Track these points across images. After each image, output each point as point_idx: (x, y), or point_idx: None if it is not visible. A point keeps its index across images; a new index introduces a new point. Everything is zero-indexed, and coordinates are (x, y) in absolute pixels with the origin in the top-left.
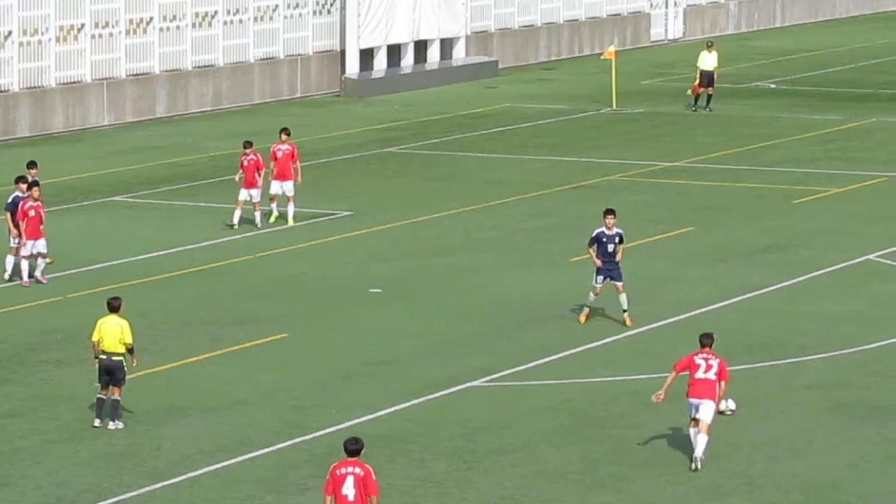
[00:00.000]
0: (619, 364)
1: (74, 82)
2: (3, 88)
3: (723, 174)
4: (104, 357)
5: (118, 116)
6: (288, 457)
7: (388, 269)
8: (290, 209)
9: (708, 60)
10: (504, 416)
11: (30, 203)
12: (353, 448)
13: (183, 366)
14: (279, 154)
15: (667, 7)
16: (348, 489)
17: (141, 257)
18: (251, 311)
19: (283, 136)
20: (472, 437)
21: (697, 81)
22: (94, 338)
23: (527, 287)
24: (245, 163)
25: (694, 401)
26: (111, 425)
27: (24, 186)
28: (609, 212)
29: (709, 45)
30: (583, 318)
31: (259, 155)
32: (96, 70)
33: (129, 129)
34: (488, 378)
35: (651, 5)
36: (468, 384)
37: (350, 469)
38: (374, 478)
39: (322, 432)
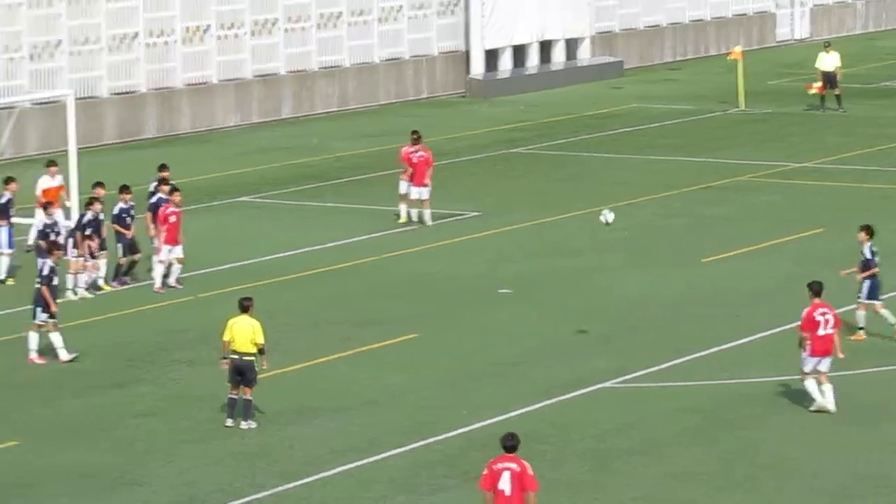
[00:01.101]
0: (750, 365)
1: (201, 83)
2: (130, 90)
3: (852, 175)
4: (236, 357)
5: (244, 117)
6: (420, 457)
7: (516, 270)
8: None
9: (827, 61)
10: (635, 418)
11: (171, 208)
12: (510, 444)
13: (312, 366)
14: (413, 159)
15: (793, 7)
16: (504, 484)
17: (268, 258)
18: (380, 312)
19: (414, 137)
20: (604, 438)
21: (820, 83)
22: (226, 337)
23: (656, 288)
24: (414, 159)
25: (816, 358)
26: (243, 425)
27: (167, 189)
28: (862, 228)
29: (826, 45)
30: (855, 338)
31: (428, 151)
32: (223, 71)
33: (256, 129)
34: (619, 379)
35: (777, 5)
36: (599, 385)
37: (506, 465)
38: (530, 473)
39: (453, 433)
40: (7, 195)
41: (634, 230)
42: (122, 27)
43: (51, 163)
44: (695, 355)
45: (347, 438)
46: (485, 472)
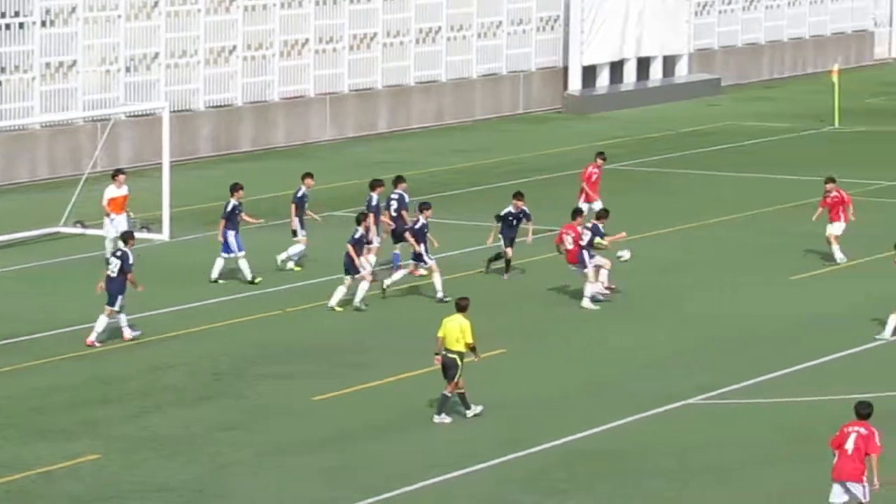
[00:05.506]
0: (839, 383)
1: (297, 97)
2: (226, 103)
3: None
4: (445, 353)
5: (340, 132)
6: (503, 473)
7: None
8: None
9: None
10: (721, 435)
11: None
12: (864, 412)
13: (402, 380)
14: (593, 178)
15: (891, 25)
16: (849, 445)
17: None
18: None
19: (600, 161)
20: (688, 455)
21: None
22: (440, 334)
23: (747, 305)
24: (593, 178)
25: None
26: (469, 413)
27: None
28: None
29: None
30: None
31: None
32: (319, 85)
33: (351, 144)
34: (706, 395)
35: (875, 24)
36: (686, 401)
37: (855, 429)
38: (876, 440)
39: (537, 448)
40: (233, 202)
41: (728, 248)
42: (222, 40)
43: (118, 172)
44: (780, 372)
45: (433, 454)
46: (837, 433)
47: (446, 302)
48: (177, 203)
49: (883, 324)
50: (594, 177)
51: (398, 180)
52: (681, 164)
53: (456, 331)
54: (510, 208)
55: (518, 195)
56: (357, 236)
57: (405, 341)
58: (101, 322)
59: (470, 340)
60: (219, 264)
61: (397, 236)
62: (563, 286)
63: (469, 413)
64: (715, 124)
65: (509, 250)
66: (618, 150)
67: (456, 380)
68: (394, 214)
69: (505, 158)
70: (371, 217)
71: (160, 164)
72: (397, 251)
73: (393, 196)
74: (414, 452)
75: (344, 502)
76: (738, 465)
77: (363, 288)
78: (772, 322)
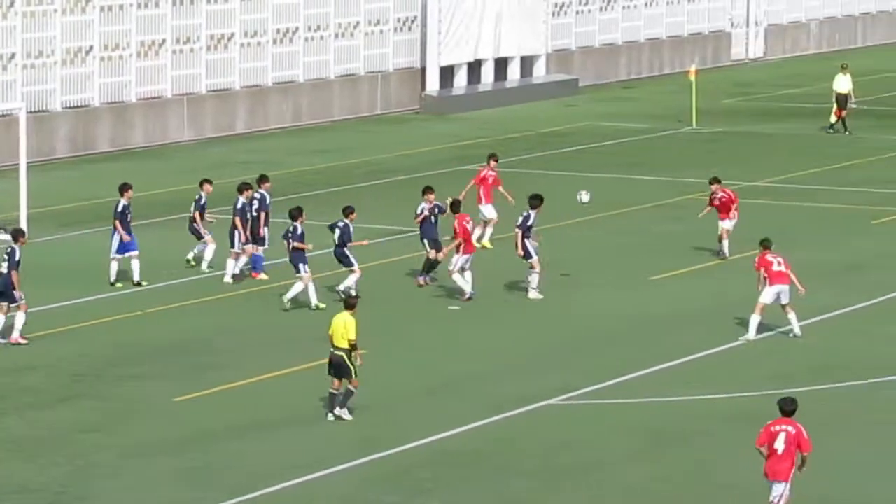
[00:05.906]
0: (699, 383)
1: (155, 97)
2: (83, 103)
3: (802, 194)
4: (332, 351)
5: (198, 132)
6: (366, 473)
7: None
8: (487, 232)
9: (842, 83)
10: (581, 435)
11: None
12: (789, 409)
13: (263, 381)
14: (490, 180)
15: (748, 26)
16: (779, 444)
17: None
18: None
19: (493, 163)
20: (550, 455)
21: (837, 106)
22: (329, 332)
23: (606, 305)
24: (490, 181)
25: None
26: (336, 411)
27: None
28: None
29: (843, 67)
30: None
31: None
32: (177, 86)
33: (209, 144)
34: (566, 396)
35: (732, 24)
36: (546, 402)
37: (783, 427)
38: (805, 436)
39: (400, 448)
40: (123, 202)
41: (586, 248)
42: (79, 41)
43: None
44: (640, 373)
45: (296, 454)
46: (761, 431)
47: (321, 308)
48: (34, 204)
49: (744, 324)
50: (491, 179)
51: (262, 179)
52: (539, 165)
53: (341, 327)
54: (424, 205)
55: (428, 189)
56: (299, 233)
57: (267, 342)
58: (20, 318)
59: (352, 337)
60: (135, 265)
61: (257, 238)
62: (430, 285)
63: (330, 416)
64: (573, 125)
65: (433, 252)
66: (476, 150)
67: (354, 376)
68: (254, 214)
69: (365, 159)
70: (239, 220)
71: (17, 164)
72: (259, 252)
73: (255, 196)
74: (277, 452)
75: (206, 503)
76: (599, 464)
77: (297, 287)
78: (632, 322)
